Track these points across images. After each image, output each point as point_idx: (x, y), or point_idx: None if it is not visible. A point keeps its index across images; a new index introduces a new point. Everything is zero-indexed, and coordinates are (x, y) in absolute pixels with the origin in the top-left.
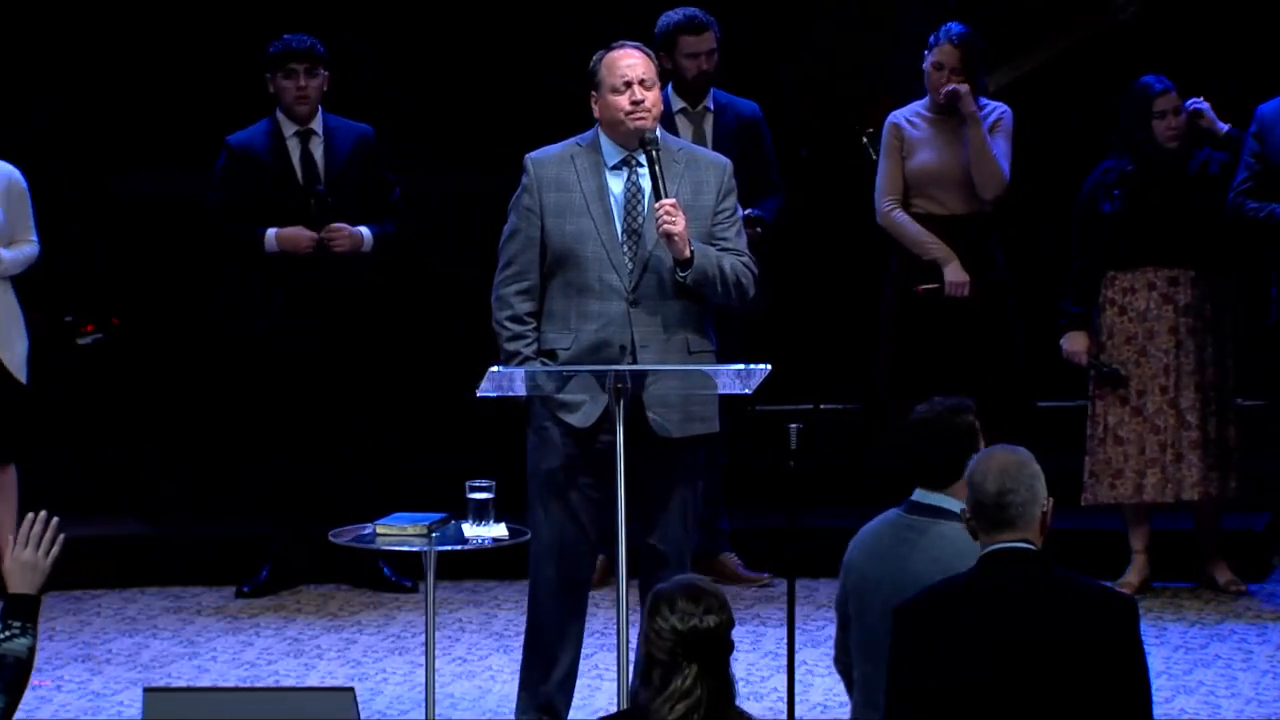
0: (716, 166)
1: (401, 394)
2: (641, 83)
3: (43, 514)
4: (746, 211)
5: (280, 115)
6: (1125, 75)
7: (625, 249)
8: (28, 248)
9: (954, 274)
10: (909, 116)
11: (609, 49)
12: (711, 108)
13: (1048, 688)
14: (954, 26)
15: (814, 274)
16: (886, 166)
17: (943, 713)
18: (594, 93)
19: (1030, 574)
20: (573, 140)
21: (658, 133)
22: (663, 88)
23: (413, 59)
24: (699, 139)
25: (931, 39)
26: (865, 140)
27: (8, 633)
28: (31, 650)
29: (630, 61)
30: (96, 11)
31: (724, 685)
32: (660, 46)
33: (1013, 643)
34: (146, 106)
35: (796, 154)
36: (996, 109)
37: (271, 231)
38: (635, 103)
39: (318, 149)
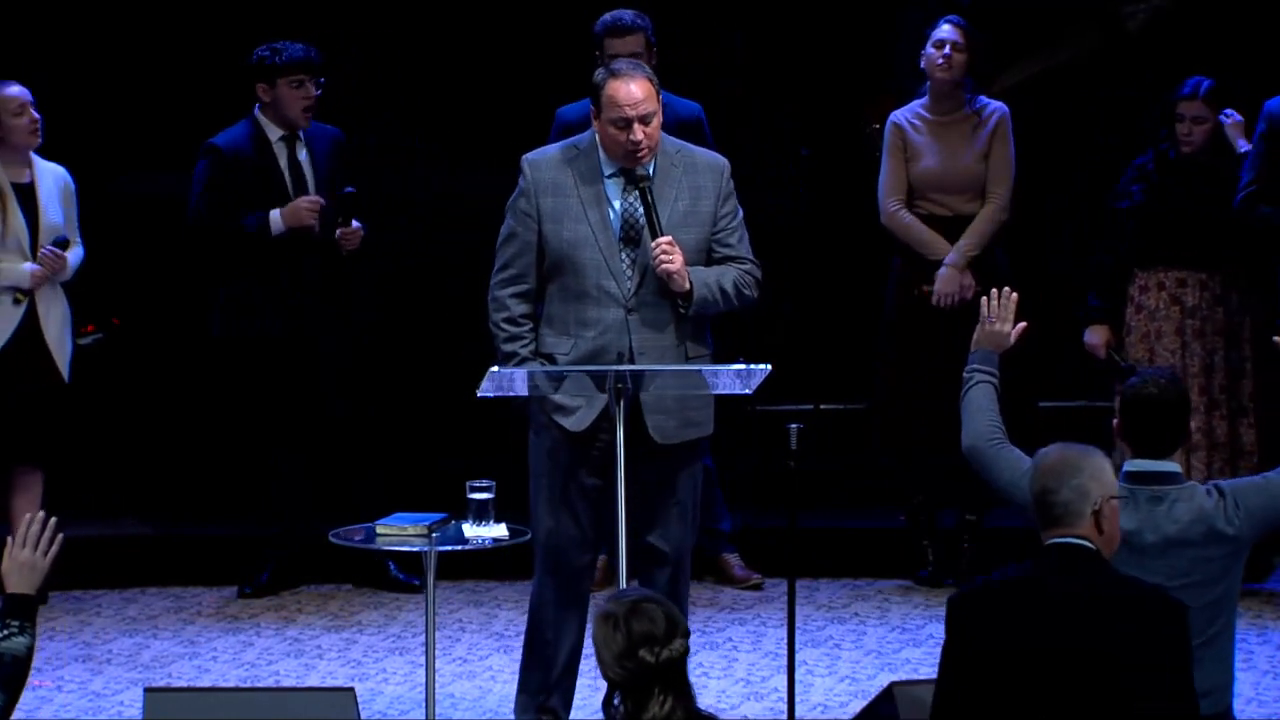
0: (714, 169)
1: (401, 394)
2: (642, 119)
3: (40, 514)
4: None
5: (262, 118)
6: (1131, 77)
7: (623, 256)
8: (77, 249)
9: (942, 284)
10: (910, 119)
11: (611, 72)
12: None
13: (1092, 685)
14: (952, 16)
15: (815, 274)
16: (890, 166)
17: (989, 703)
18: (595, 108)
19: (1081, 571)
20: (570, 141)
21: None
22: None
23: (405, 57)
24: None
25: (929, 30)
26: (867, 136)
27: (5, 632)
28: (30, 649)
29: (632, 97)
30: (96, 12)
31: (690, 697)
32: (594, 45)
33: (1060, 638)
34: (145, 107)
35: (797, 153)
36: (996, 109)
37: (275, 213)
38: (634, 143)
39: (303, 153)
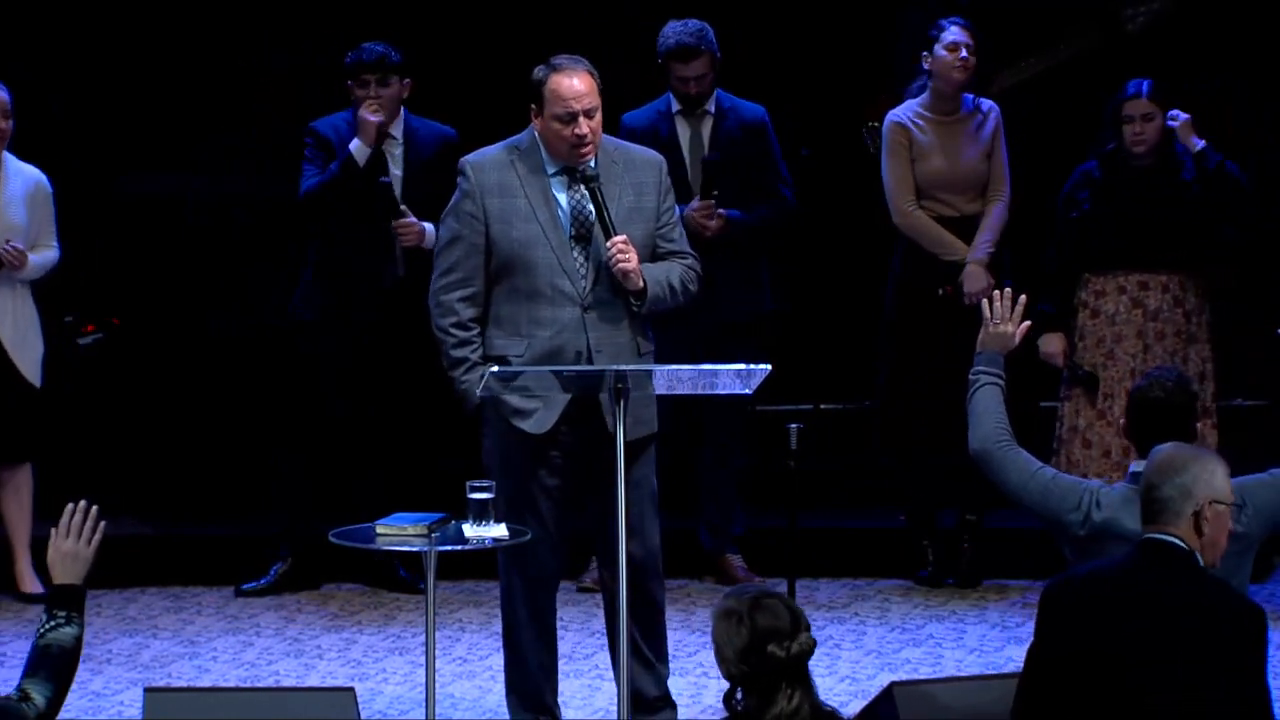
0: (652, 165)
1: (401, 394)
2: (586, 113)
3: (82, 503)
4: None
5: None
6: (1131, 77)
7: (575, 254)
8: (49, 253)
9: (970, 282)
10: (913, 119)
11: (552, 67)
12: (712, 110)
13: (1163, 682)
14: (957, 18)
15: (814, 274)
16: (897, 167)
17: (1067, 692)
18: (534, 106)
19: (1168, 569)
20: (509, 142)
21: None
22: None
23: (404, 57)
24: (695, 141)
25: (933, 31)
26: (865, 132)
27: (53, 622)
28: (78, 639)
29: (575, 90)
30: (99, 12)
31: (813, 691)
32: (659, 66)
33: (1136, 634)
34: (147, 107)
35: (796, 153)
36: (992, 107)
37: (353, 144)
38: (579, 137)
39: (395, 151)
